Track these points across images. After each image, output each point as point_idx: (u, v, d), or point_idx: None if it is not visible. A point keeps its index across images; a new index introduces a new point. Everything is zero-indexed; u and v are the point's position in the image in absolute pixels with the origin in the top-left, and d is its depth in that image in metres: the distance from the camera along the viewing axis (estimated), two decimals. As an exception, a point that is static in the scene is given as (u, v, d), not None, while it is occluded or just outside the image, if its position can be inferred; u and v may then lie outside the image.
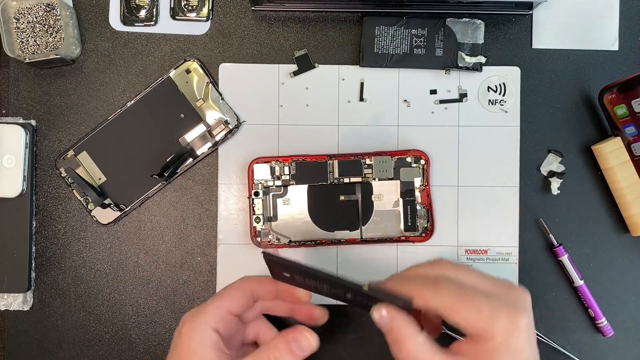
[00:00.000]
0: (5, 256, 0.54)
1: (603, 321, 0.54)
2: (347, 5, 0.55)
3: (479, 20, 0.54)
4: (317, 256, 0.55)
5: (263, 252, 0.42)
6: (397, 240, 0.54)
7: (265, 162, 0.53)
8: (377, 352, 0.55)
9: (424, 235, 0.54)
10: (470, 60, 0.54)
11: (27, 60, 0.52)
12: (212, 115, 0.55)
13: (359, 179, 0.53)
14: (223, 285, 0.47)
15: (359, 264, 0.55)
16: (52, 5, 0.53)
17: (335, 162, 0.53)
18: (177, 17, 0.55)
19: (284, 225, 0.54)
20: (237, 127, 0.55)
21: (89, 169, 0.55)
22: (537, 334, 0.54)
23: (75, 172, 0.54)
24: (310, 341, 0.42)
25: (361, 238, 0.54)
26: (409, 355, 0.38)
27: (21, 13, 0.53)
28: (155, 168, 0.54)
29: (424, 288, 0.39)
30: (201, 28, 0.56)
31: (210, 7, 0.55)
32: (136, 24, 0.55)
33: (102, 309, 0.55)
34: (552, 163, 0.55)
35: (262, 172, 0.53)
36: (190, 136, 0.55)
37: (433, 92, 0.55)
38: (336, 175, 0.53)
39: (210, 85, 0.55)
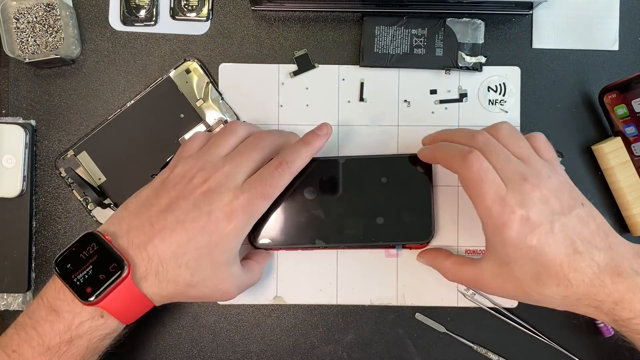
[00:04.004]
0: (5, 256, 0.54)
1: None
2: (347, 5, 0.55)
3: (479, 20, 0.54)
4: (317, 257, 0.55)
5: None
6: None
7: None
8: (377, 352, 0.55)
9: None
10: (470, 60, 0.54)
11: (27, 60, 0.52)
12: (212, 115, 0.55)
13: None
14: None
15: (360, 264, 0.55)
16: (52, 5, 0.53)
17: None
18: (177, 17, 0.55)
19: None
20: (237, 127, 0.55)
21: (89, 169, 0.55)
22: (537, 334, 0.54)
23: (75, 172, 0.54)
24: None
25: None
26: (447, 275, 0.50)
27: (21, 13, 0.53)
28: (155, 168, 0.54)
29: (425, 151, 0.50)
30: (201, 28, 0.56)
31: (210, 7, 0.55)
32: (136, 24, 0.55)
33: (102, 309, 0.55)
34: (552, 163, 0.55)
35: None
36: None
37: (433, 92, 0.55)
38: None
39: (210, 85, 0.55)
